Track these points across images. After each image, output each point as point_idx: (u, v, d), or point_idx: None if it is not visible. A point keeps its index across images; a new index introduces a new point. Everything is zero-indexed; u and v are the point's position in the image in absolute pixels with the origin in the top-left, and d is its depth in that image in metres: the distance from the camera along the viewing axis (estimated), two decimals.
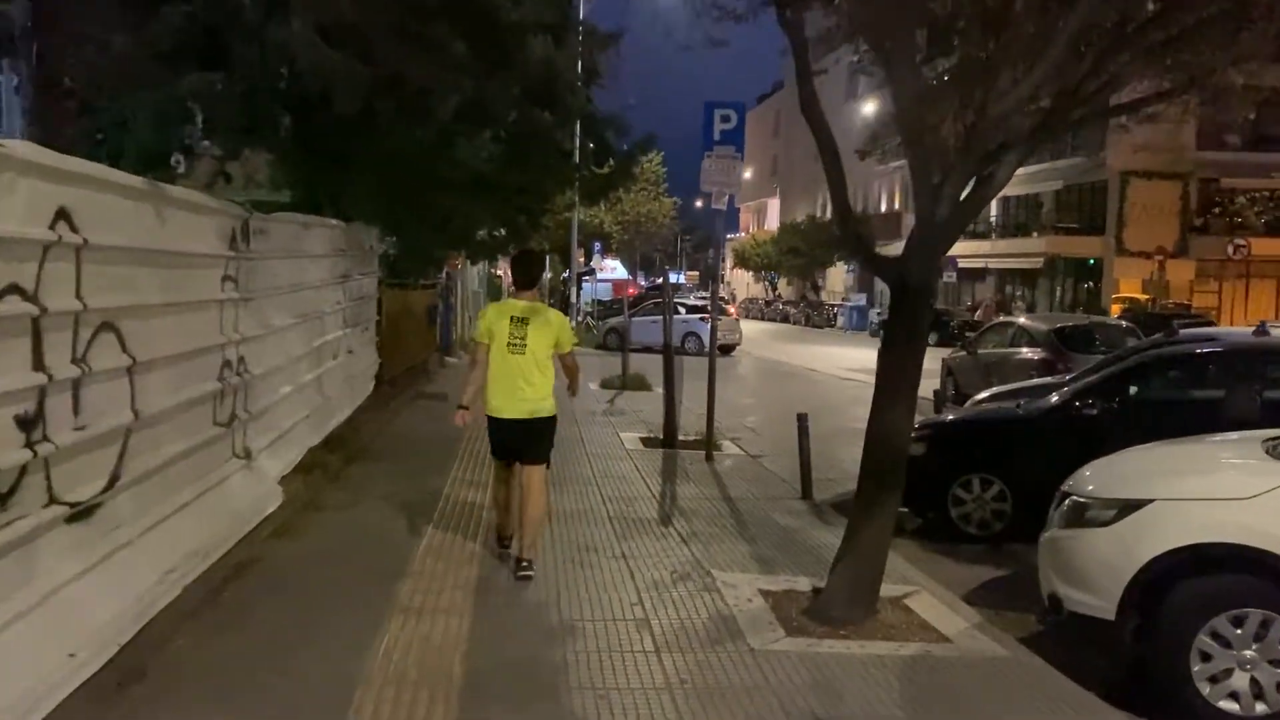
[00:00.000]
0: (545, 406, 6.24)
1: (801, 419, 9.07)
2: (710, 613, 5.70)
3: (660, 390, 13.43)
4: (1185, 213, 39.75)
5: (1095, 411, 7.52)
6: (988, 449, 8.17)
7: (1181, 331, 10.59)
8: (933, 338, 37.73)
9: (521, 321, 6.13)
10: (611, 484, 9.23)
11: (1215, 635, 4.63)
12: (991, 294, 43.32)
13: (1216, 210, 37.38)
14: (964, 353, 16.41)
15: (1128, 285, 39.40)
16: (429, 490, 8.53)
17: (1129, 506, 4.91)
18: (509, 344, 6.09)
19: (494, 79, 9.02)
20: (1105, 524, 4.96)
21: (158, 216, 5.52)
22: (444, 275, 22.79)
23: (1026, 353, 14.64)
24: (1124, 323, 15.70)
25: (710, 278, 12.42)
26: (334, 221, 10.25)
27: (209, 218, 6.54)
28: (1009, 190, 47.78)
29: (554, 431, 6.40)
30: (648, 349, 24.28)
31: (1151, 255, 38.63)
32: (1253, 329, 9.29)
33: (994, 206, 50.38)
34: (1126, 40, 5.14)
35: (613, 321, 29.23)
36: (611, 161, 13.19)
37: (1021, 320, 15.74)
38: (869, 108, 55.52)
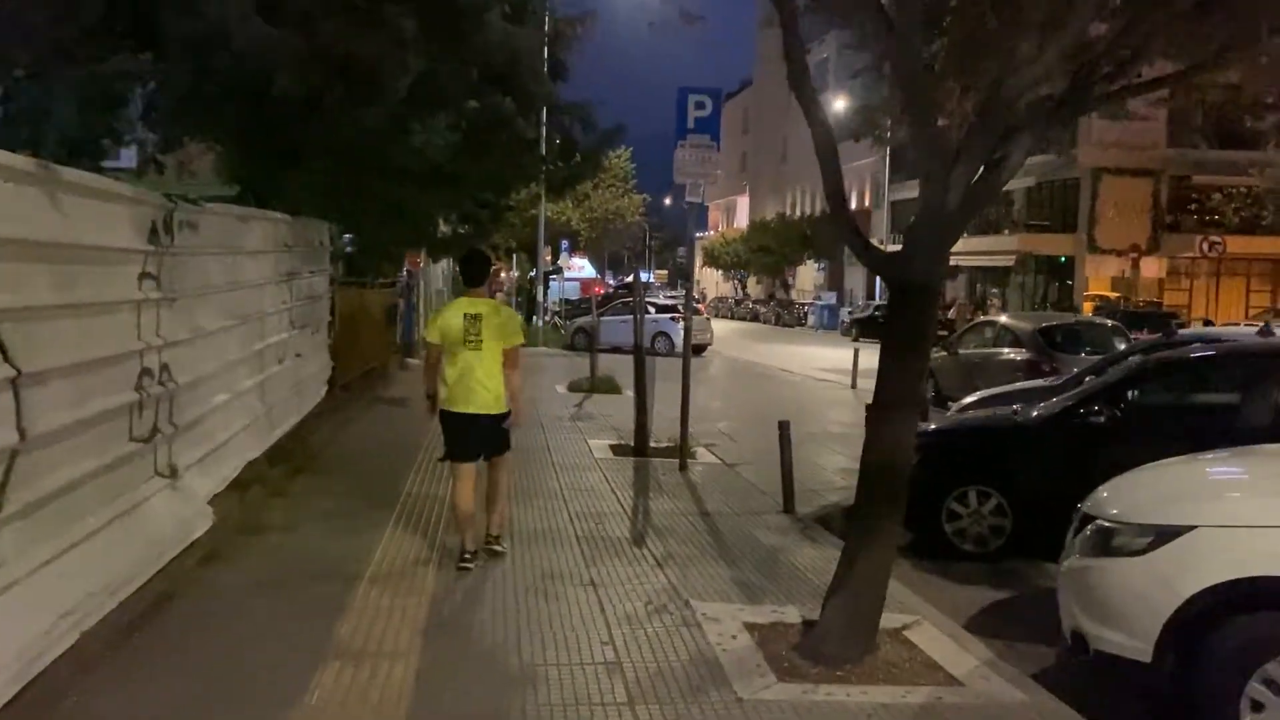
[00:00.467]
0: (501, 403, 6.41)
1: (783, 428, 8.45)
2: (691, 653, 5.04)
3: (630, 393, 12.79)
4: (1157, 210, 39.65)
5: (1102, 419, 6.94)
6: (985, 460, 7.58)
7: (1180, 332, 10.07)
8: None
9: (475, 318, 6.29)
10: (580, 498, 8.56)
11: (1269, 682, 4.05)
12: (965, 292, 43.01)
13: (1192, 207, 37.26)
14: (944, 353, 15.88)
15: (1098, 283, 39.23)
16: (380, 506, 7.82)
17: (1167, 534, 4.31)
18: (465, 341, 6.24)
19: (449, 60, 8.31)
20: (1138, 553, 4.36)
21: (52, 204, 4.77)
22: (405, 274, 22.03)
23: (1010, 354, 14.14)
24: (1109, 322, 15.25)
25: (684, 275, 11.68)
26: (278, 215, 9.49)
27: (123, 207, 5.78)
28: None
29: (509, 425, 6.57)
30: (617, 349, 23.63)
31: (1123, 253, 38.53)
32: (1257, 329, 8.78)
33: None
34: (1157, 3, 4.55)
35: (581, 321, 28.55)
36: (578, 155, 12.49)
37: (1004, 319, 15.24)
38: (839, 103, 55.42)
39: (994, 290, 43.93)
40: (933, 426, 8.46)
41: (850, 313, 43.11)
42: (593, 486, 9.07)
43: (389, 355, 17.94)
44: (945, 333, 37.77)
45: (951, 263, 35.26)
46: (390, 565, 6.41)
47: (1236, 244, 36.90)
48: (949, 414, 10.89)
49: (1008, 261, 43.03)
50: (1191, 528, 4.27)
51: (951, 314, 39.34)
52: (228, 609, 5.51)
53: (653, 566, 6.54)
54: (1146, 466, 5.23)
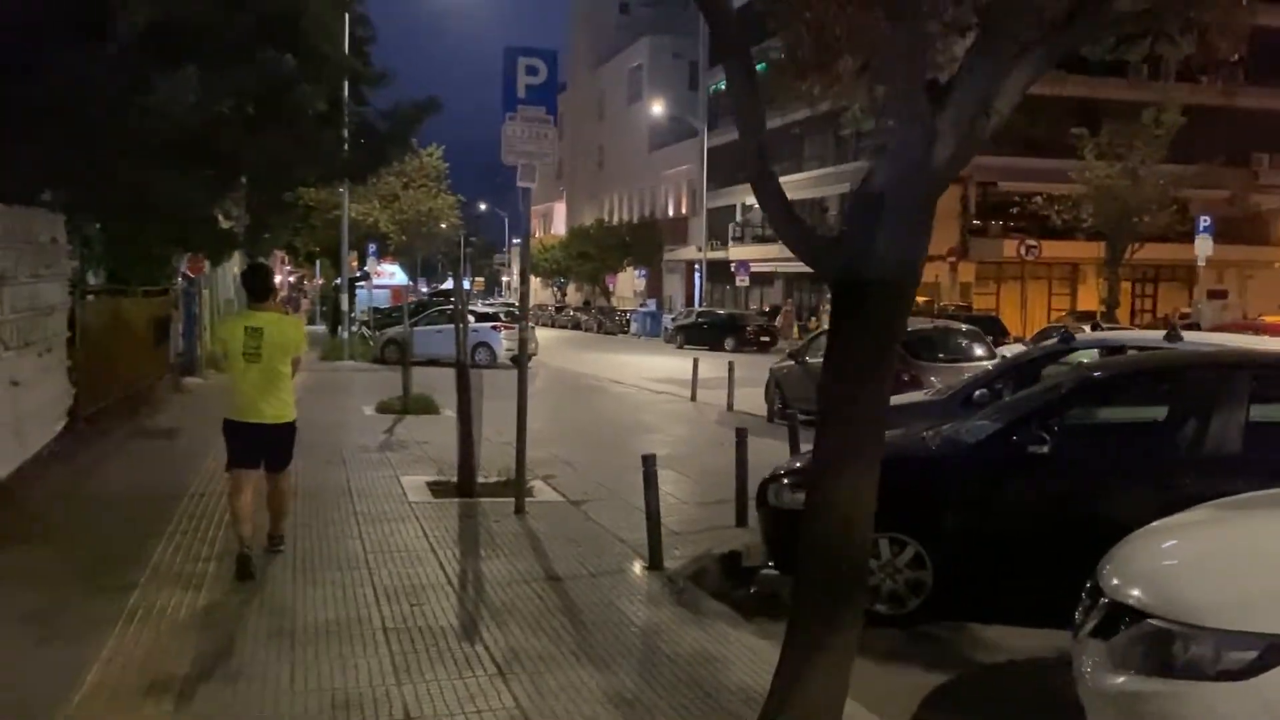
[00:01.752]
0: (286, 413, 6.51)
1: (647, 464, 6.82)
2: None
3: (450, 413, 10.94)
4: (965, 215, 40.69)
5: (1044, 448, 5.64)
6: (898, 500, 6.11)
7: (1079, 337, 9.10)
8: (729, 343, 36.89)
9: (256, 332, 6.31)
10: (390, 564, 6.65)
11: None
12: (783, 298, 42.94)
13: (1014, 212, 38.42)
14: (791, 362, 14.73)
15: (927, 288, 39.86)
16: (109, 596, 5.69)
17: None
18: (244, 353, 6.29)
19: None
20: (1238, 675, 2.95)
21: None
22: (181, 280, 19.21)
23: None
24: (964, 327, 14.50)
25: (521, 273, 9.89)
26: None
27: None
28: (794, 194, 48.03)
29: (294, 436, 6.68)
30: (433, 361, 21.62)
31: (934, 258, 39.33)
32: (1164, 334, 7.84)
33: None
34: None
35: (391, 332, 26.19)
36: (384, 132, 10.46)
37: None
38: (656, 108, 54.74)
39: (828, 296, 44.01)
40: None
41: (674, 319, 42.18)
42: (407, 545, 7.16)
43: (159, 376, 15.24)
44: (768, 339, 37.79)
45: (768, 269, 34.60)
46: (108, 697, 4.37)
47: (1044, 249, 38.26)
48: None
49: None
50: None
51: (779, 321, 39.16)
52: None
53: (492, 676, 4.74)
54: (1199, 520, 3.86)
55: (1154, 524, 3.89)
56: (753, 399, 16.23)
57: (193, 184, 8.41)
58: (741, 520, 8.02)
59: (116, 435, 11.30)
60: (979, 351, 12.89)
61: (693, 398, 17.59)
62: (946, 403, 8.63)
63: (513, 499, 8.42)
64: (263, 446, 6.47)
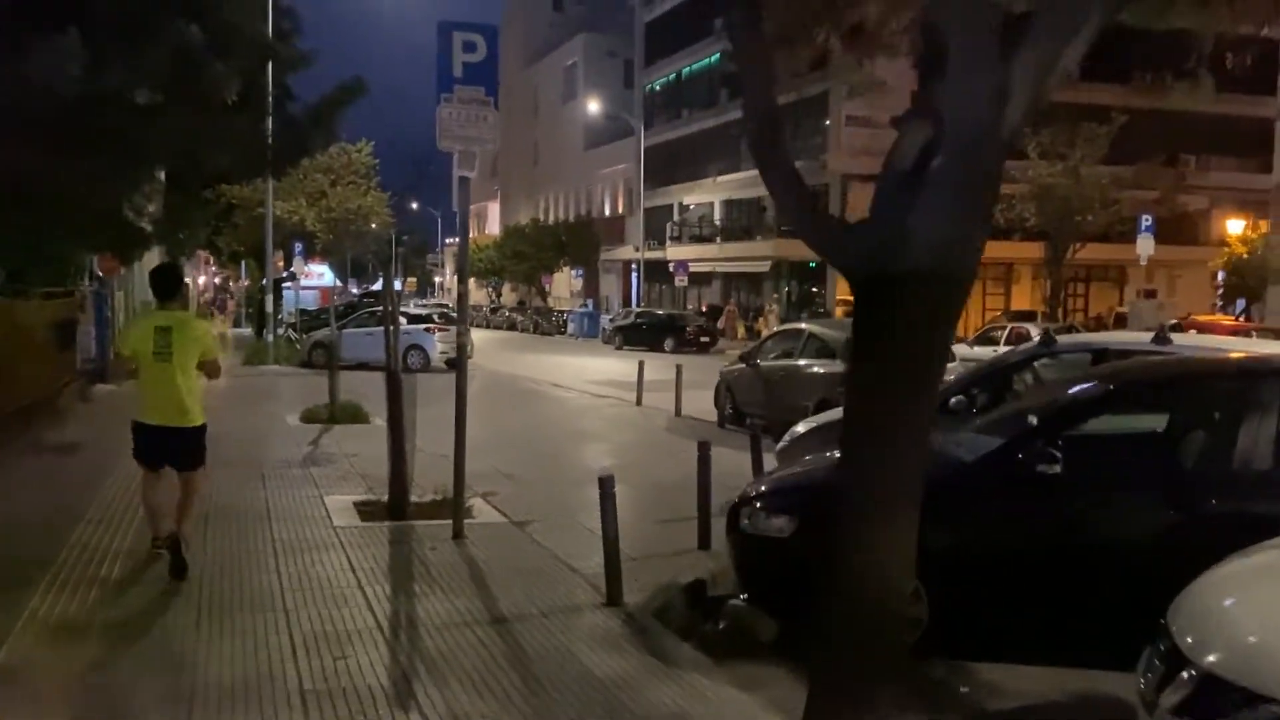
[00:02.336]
0: (195, 415, 6.43)
1: (605, 486, 6.07)
2: None
3: (381, 421, 10.09)
4: None
5: (1055, 468, 5.01)
6: None
7: (1061, 340, 8.55)
8: (669, 344, 36.26)
9: (166, 331, 6.30)
10: (311, 605, 5.80)
11: None
12: (721, 299, 42.45)
13: None
14: (742, 365, 14.10)
15: (845, 288, 39.66)
16: None
17: None
18: (155, 353, 6.26)
19: None
20: None
21: None
22: (90, 281, 17.96)
23: (820, 366, 12.47)
24: None
25: (459, 271, 9.04)
26: None
27: None
28: (732, 194, 47.63)
29: (204, 437, 6.57)
30: (363, 365, 20.61)
31: None
32: (1152, 336, 7.31)
33: (718, 209, 50.11)
34: None
35: (319, 334, 25.03)
36: (306, 118, 9.51)
37: (811, 327, 13.58)
38: (592, 106, 53.94)
39: (775, 296, 43.63)
40: (799, 475, 6.36)
41: (612, 320, 41.40)
42: (331, 580, 6.31)
43: (63, 385, 14.05)
44: (708, 339, 37.18)
45: (706, 268, 34.14)
46: None
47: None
48: (784, 447, 8.92)
49: (763, 268, 42.94)
50: None
51: (720, 322, 38.64)
52: None
53: None
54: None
55: (1231, 564, 3.26)
56: (700, 402, 15.59)
57: (83, 172, 7.44)
58: (704, 542, 7.32)
59: (7, 451, 10.20)
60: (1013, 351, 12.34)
61: (638, 402, 16.87)
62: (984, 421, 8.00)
63: (450, 521, 7.62)
64: (170, 450, 6.42)
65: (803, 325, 13.99)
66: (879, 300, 2.78)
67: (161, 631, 5.33)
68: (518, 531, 7.86)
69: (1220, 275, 38.70)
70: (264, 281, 31.53)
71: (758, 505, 5.82)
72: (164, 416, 6.32)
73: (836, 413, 9.32)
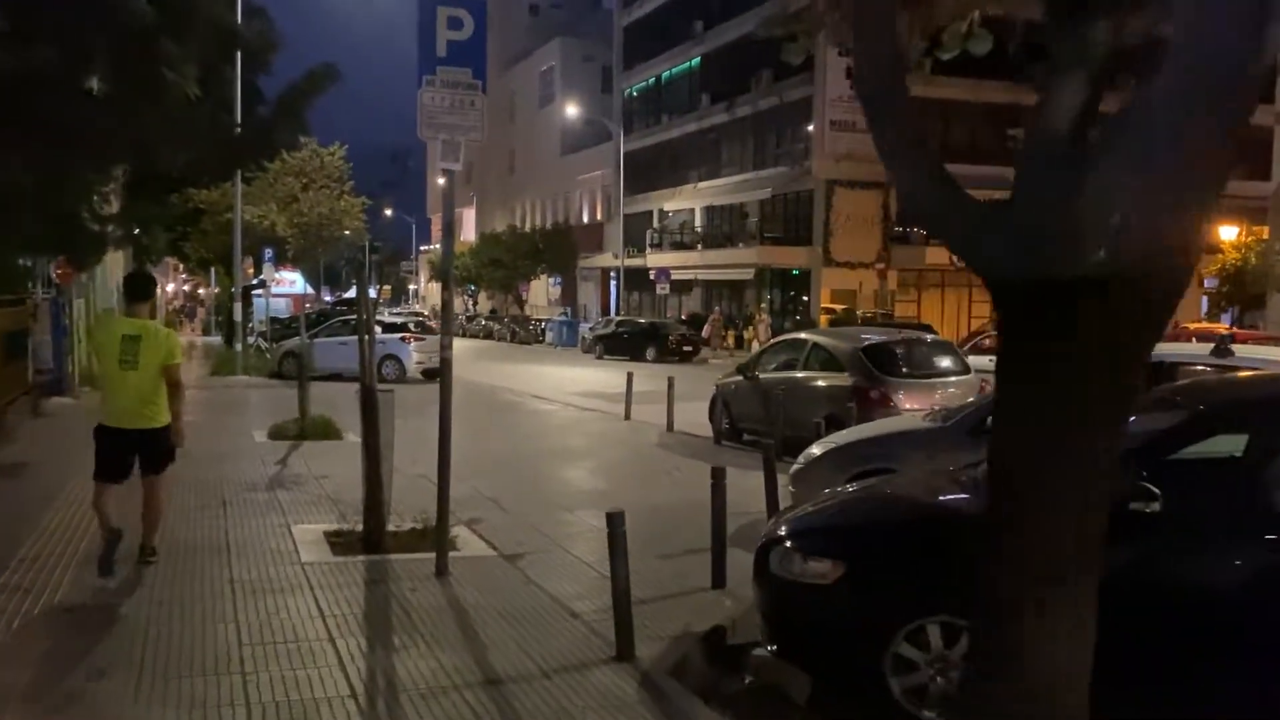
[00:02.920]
0: (160, 418, 6.46)
1: (613, 524, 5.26)
2: None
3: (354, 437, 9.37)
4: (887, 222, 40.11)
5: (1154, 505, 4.24)
6: (943, 570, 4.71)
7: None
8: (650, 353, 35.48)
9: (133, 339, 6.33)
10: (273, 664, 4.97)
11: None
12: (718, 307, 41.51)
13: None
14: (740, 378, 13.34)
15: (831, 295, 39.05)
16: None
17: None
18: (121, 360, 6.31)
19: None
20: None
21: None
22: (48, 288, 17.00)
23: (826, 378, 11.73)
24: (929, 338, 13.34)
25: (442, 278, 8.21)
26: None
27: None
28: (713, 200, 46.91)
29: (169, 438, 6.55)
30: (336, 376, 19.80)
31: (857, 265, 38.63)
32: (1212, 348, 6.63)
33: (699, 216, 49.40)
34: None
35: (289, 344, 24.09)
36: (274, 111, 8.67)
37: (815, 337, 12.80)
38: (571, 109, 53.16)
39: (763, 303, 42.92)
40: (838, 511, 5.59)
41: (592, 329, 40.56)
42: (297, 631, 5.47)
43: (9, 399, 13.09)
44: (690, 349, 36.33)
45: (688, 276, 33.32)
46: None
47: (946, 255, 37.71)
48: (798, 470, 8.15)
49: (746, 275, 42.27)
50: None
51: (705, 331, 37.66)
52: None
53: None
54: None
55: None
56: (690, 415, 14.76)
57: (22, 165, 6.60)
58: (718, 580, 6.55)
59: None
60: (948, 364, 11.69)
61: (626, 416, 16.06)
62: (951, 431, 7.29)
63: (433, 555, 6.81)
64: (135, 452, 6.46)
65: (805, 335, 13.19)
66: (1040, 309, 2.04)
67: (93, 701, 4.49)
68: (508, 567, 7.06)
69: (1206, 283, 38.35)
70: (233, 289, 30.52)
71: (791, 546, 5.05)
72: (129, 420, 6.36)
73: (853, 433, 8.59)
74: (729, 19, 45.15)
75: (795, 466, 8.08)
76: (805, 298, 41.28)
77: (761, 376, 12.79)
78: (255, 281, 34.87)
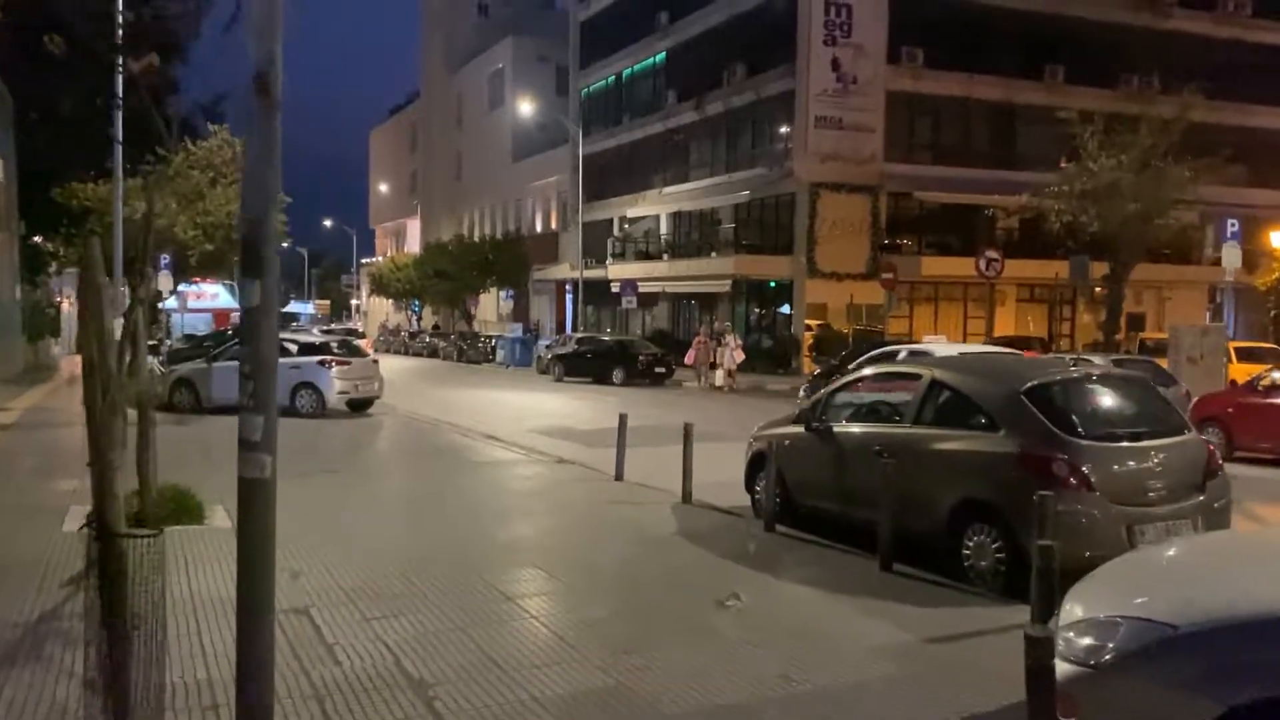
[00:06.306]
0: None
1: None
2: None
3: (225, 518, 7.10)
4: (876, 230, 36.37)
5: None
6: None
7: None
8: (618, 375, 30.97)
9: None
10: None
11: None
12: (703, 325, 36.60)
13: (963, 229, 33.97)
14: (799, 429, 9.03)
15: (817, 312, 35.20)
16: None
17: None
18: None
19: None
20: None
21: None
22: None
23: (960, 441, 7.41)
24: (1121, 371, 9.25)
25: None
26: None
27: None
28: (680, 205, 42.68)
29: None
30: (238, 409, 15.06)
31: (845, 276, 34.83)
32: None
33: (664, 223, 45.25)
34: None
35: (184, 369, 19.47)
36: None
37: (940, 372, 8.12)
38: (525, 108, 48.80)
39: (754, 315, 38.72)
40: None
41: (549, 347, 36.10)
42: None
43: None
44: (663, 370, 31.37)
45: (655, 289, 27.99)
46: None
47: (950, 265, 34.22)
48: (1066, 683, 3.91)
49: (722, 287, 38.15)
50: None
51: (689, 357, 31.98)
52: None
53: None
54: None
55: None
56: (703, 469, 10.28)
57: None
58: None
59: None
60: (1152, 411, 7.50)
61: (618, 476, 11.60)
62: None
63: None
64: None
65: (922, 369, 8.59)
66: None
67: None
68: None
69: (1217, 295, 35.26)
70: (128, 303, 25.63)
71: None
72: None
73: (1197, 588, 4.36)
74: (697, 9, 41.25)
75: (1067, 671, 3.83)
76: (787, 310, 37.31)
77: (838, 431, 8.51)
78: (166, 293, 30.02)
